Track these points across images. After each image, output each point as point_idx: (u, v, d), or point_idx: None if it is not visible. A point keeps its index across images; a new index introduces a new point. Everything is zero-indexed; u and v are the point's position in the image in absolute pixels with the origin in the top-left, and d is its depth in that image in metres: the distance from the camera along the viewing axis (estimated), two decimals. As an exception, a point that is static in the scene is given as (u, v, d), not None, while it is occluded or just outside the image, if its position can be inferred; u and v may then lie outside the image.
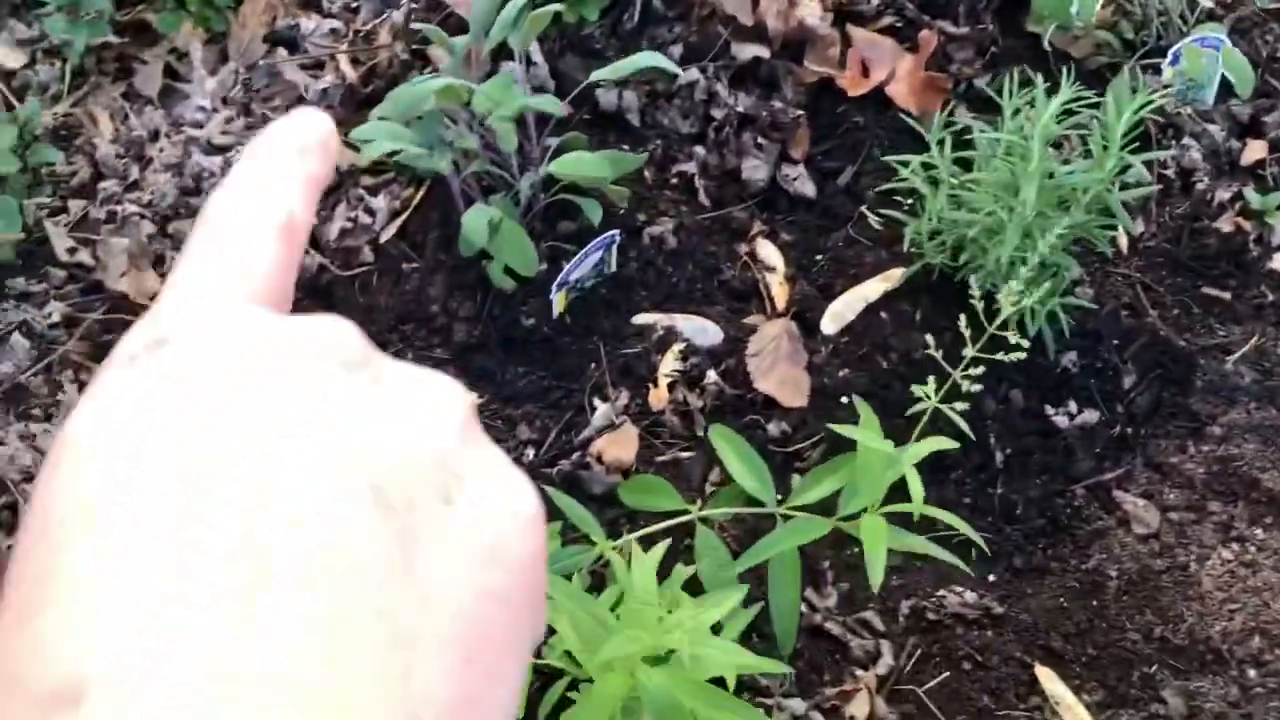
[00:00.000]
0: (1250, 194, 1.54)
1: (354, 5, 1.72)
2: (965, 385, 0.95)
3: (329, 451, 0.26)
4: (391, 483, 0.26)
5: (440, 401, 0.29)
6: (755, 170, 1.59)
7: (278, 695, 0.23)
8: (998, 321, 0.95)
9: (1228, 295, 1.49)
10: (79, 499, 0.25)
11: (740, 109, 1.62)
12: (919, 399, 1.41)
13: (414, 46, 1.63)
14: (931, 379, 1.00)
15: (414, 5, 1.67)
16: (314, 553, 0.25)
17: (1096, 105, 1.29)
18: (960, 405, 0.97)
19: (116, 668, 0.22)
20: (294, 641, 0.23)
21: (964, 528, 1.02)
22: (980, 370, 0.96)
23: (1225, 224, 1.54)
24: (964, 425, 1.00)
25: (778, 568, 1.00)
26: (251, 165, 0.34)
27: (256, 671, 0.23)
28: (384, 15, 1.68)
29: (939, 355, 1.03)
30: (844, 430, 0.99)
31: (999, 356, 0.96)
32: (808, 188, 1.59)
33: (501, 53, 1.47)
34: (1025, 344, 0.96)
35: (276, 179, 0.33)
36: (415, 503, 0.27)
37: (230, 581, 0.24)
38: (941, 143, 1.36)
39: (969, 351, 0.97)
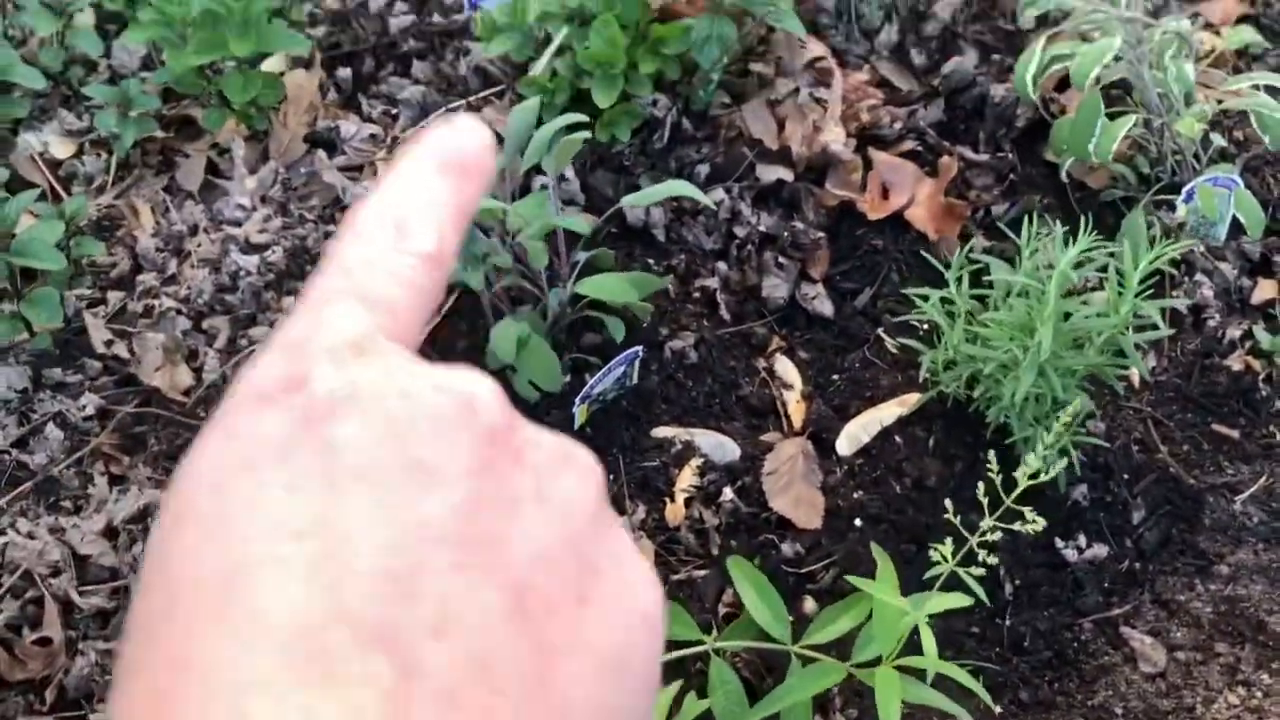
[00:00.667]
0: (1260, 333, 1.57)
1: (394, 111, 1.78)
2: (981, 555, 0.98)
3: (474, 546, 0.26)
4: (532, 586, 0.26)
5: (577, 481, 0.29)
6: (775, 288, 1.63)
7: None
8: (1015, 493, 0.97)
9: (1237, 434, 1.52)
10: (206, 577, 0.25)
11: (762, 228, 1.66)
12: (928, 525, 1.43)
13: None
14: (949, 540, 1.02)
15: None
16: (459, 667, 0.24)
17: (1112, 247, 1.33)
18: (977, 571, 0.99)
19: None
20: None
21: (975, 686, 1.04)
22: (997, 536, 0.99)
23: (1235, 362, 1.57)
24: (980, 592, 1.02)
25: (789, 711, 1.02)
26: (403, 184, 0.32)
27: None
28: (422, 124, 1.73)
29: (956, 520, 1.05)
30: (861, 584, 1.01)
31: (1015, 527, 0.98)
32: (826, 307, 1.63)
33: (536, 168, 1.52)
34: (1040, 523, 0.98)
35: (427, 204, 0.32)
36: (553, 606, 0.26)
37: (375, 696, 0.23)
38: (960, 279, 1.40)
39: (986, 522, 0.99)
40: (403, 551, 0.25)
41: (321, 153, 1.74)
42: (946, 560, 0.99)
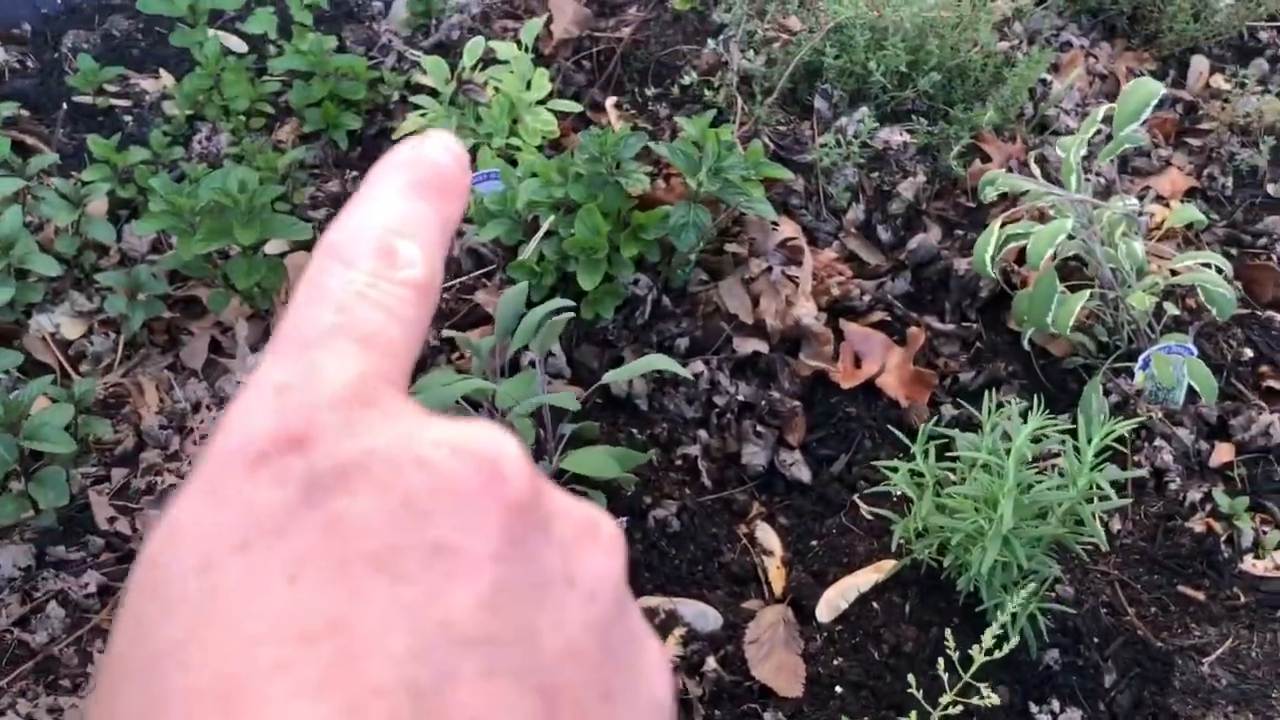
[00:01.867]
0: (1219, 495, 1.64)
1: (389, 290, 1.87)
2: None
3: (504, 646, 0.23)
4: (563, 686, 0.24)
5: (604, 558, 0.27)
6: (754, 455, 1.69)
7: None
8: (971, 669, 1.02)
9: (1202, 595, 1.57)
10: (203, 688, 0.22)
11: (741, 397, 1.74)
12: (906, 691, 1.46)
13: (443, 335, 1.77)
14: (913, 715, 1.06)
15: (444, 295, 1.82)
16: None
17: (1065, 424, 1.41)
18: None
19: None
20: None
21: None
22: (958, 710, 1.03)
23: (1197, 524, 1.63)
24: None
25: None
26: (382, 205, 0.29)
27: None
28: (416, 303, 1.82)
29: (919, 694, 1.09)
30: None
31: (974, 701, 1.03)
32: (804, 473, 1.70)
33: (525, 346, 1.60)
34: (994, 698, 1.03)
35: (412, 227, 0.29)
36: (583, 708, 0.24)
37: None
38: (926, 451, 1.47)
39: (946, 698, 1.04)
40: (427, 659, 0.22)
41: (320, 330, 1.83)
42: (912, 741, 1.03)
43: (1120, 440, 1.69)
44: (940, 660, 1.22)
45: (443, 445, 0.25)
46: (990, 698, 1.01)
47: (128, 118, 2.23)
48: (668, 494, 1.65)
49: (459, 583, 0.23)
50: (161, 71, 2.34)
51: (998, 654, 1.19)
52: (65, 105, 2.19)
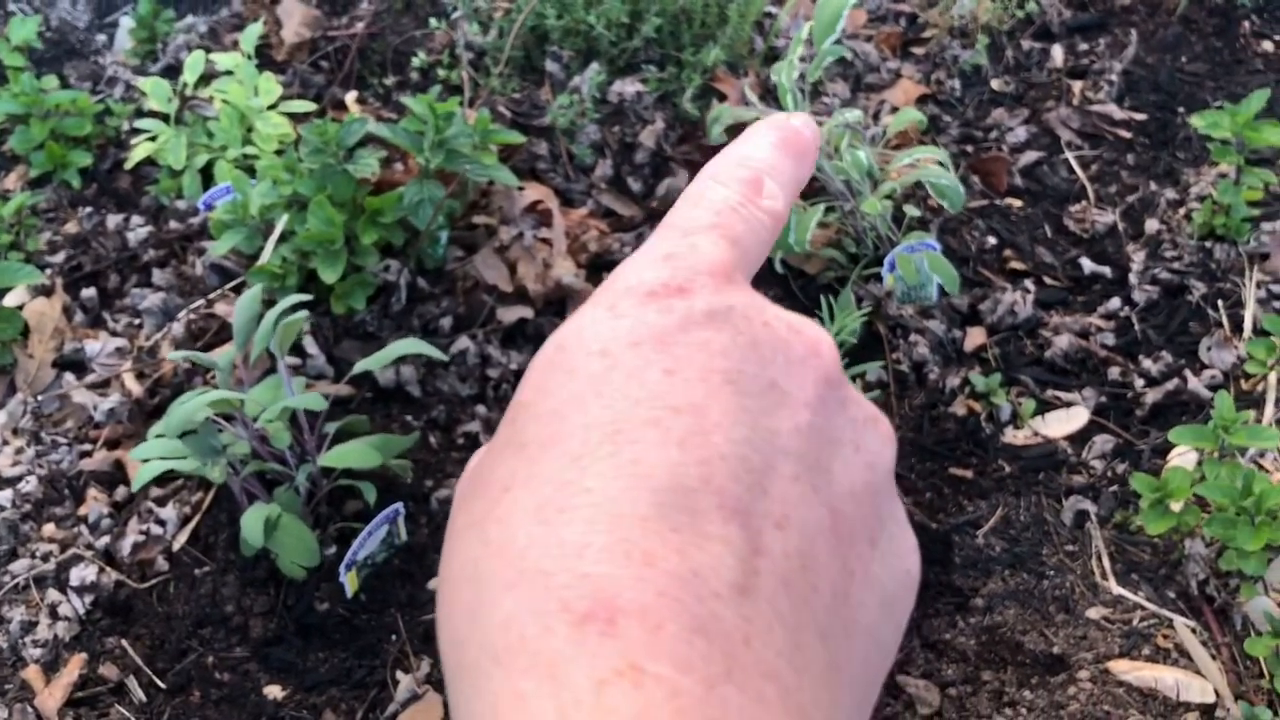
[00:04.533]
0: (975, 378, 1.71)
1: (137, 322, 1.80)
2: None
3: (808, 465, 0.30)
4: (843, 511, 0.31)
5: (883, 442, 0.34)
6: (534, 421, 1.69)
7: (768, 688, 0.26)
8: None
9: (971, 473, 1.63)
10: (594, 423, 0.29)
11: (514, 367, 1.74)
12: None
13: (191, 356, 1.71)
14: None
15: (192, 316, 1.76)
16: (792, 557, 0.28)
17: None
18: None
19: (649, 612, 0.25)
20: (772, 642, 0.27)
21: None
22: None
23: (959, 408, 1.70)
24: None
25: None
26: (756, 149, 0.37)
27: (755, 662, 0.26)
28: (165, 329, 1.76)
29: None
30: None
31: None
32: (585, 430, 1.70)
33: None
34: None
35: (777, 169, 0.37)
36: (855, 538, 0.31)
37: (733, 557, 0.27)
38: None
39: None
40: (758, 450, 0.29)
41: (70, 375, 1.76)
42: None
43: (879, 343, 1.75)
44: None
45: (783, 319, 0.33)
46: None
47: None
48: (451, 474, 1.64)
49: (783, 412, 0.30)
50: None
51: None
52: None
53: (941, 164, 1.78)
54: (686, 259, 0.33)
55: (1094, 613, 1.47)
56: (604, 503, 0.27)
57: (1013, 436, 1.67)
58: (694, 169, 2.02)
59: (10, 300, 1.86)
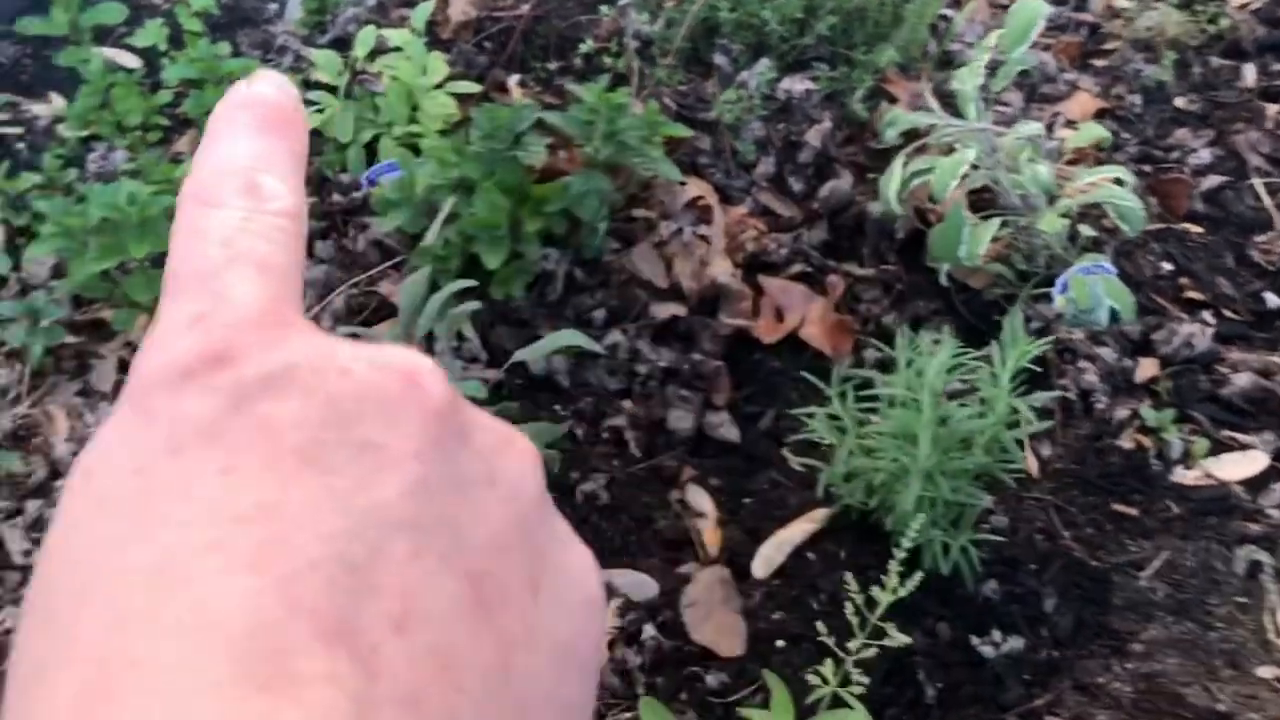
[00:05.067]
0: (1146, 411, 1.63)
1: (298, 292, 1.83)
2: (855, 675, 1.01)
3: (430, 531, 0.24)
4: (486, 571, 0.25)
5: (522, 463, 0.28)
6: (681, 420, 1.67)
7: None
8: (878, 611, 1.01)
9: (1136, 511, 1.56)
10: (134, 568, 0.22)
11: (663, 363, 1.72)
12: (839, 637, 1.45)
13: (353, 331, 1.73)
14: (829, 662, 1.05)
15: (352, 291, 1.79)
16: (423, 665, 0.22)
17: (978, 352, 1.39)
18: (856, 689, 1.02)
19: None
20: None
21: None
22: (873, 653, 1.02)
23: (1126, 441, 1.62)
24: (863, 711, 1.05)
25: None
26: (231, 145, 0.30)
27: None
28: (326, 301, 1.79)
29: (829, 638, 1.08)
30: (756, 714, 1.03)
31: (885, 643, 1.01)
32: (732, 433, 1.68)
33: (434, 334, 1.57)
34: (903, 638, 1.02)
35: (268, 160, 0.30)
36: (508, 596, 0.25)
37: (341, 699, 0.21)
38: (844, 394, 1.45)
39: (855, 643, 1.02)
40: (358, 536, 0.23)
41: (231, 339, 1.79)
42: (827, 682, 1.02)
43: (1044, 367, 1.69)
44: (850, 605, 1.21)
45: (361, 359, 0.26)
46: (898, 639, 0.99)
47: (20, 144, 2.18)
48: (595, 467, 1.63)
49: (385, 475, 0.24)
50: (52, 94, 2.28)
51: (900, 592, 1.16)
52: (-48, 137, 2.14)
53: (1122, 183, 1.70)
54: (219, 314, 0.26)
55: (1265, 672, 1.40)
56: (160, 675, 0.21)
57: (1182, 476, 1.59)
58: (859, 171, 1.97)
59: (178, 261, 1.91)
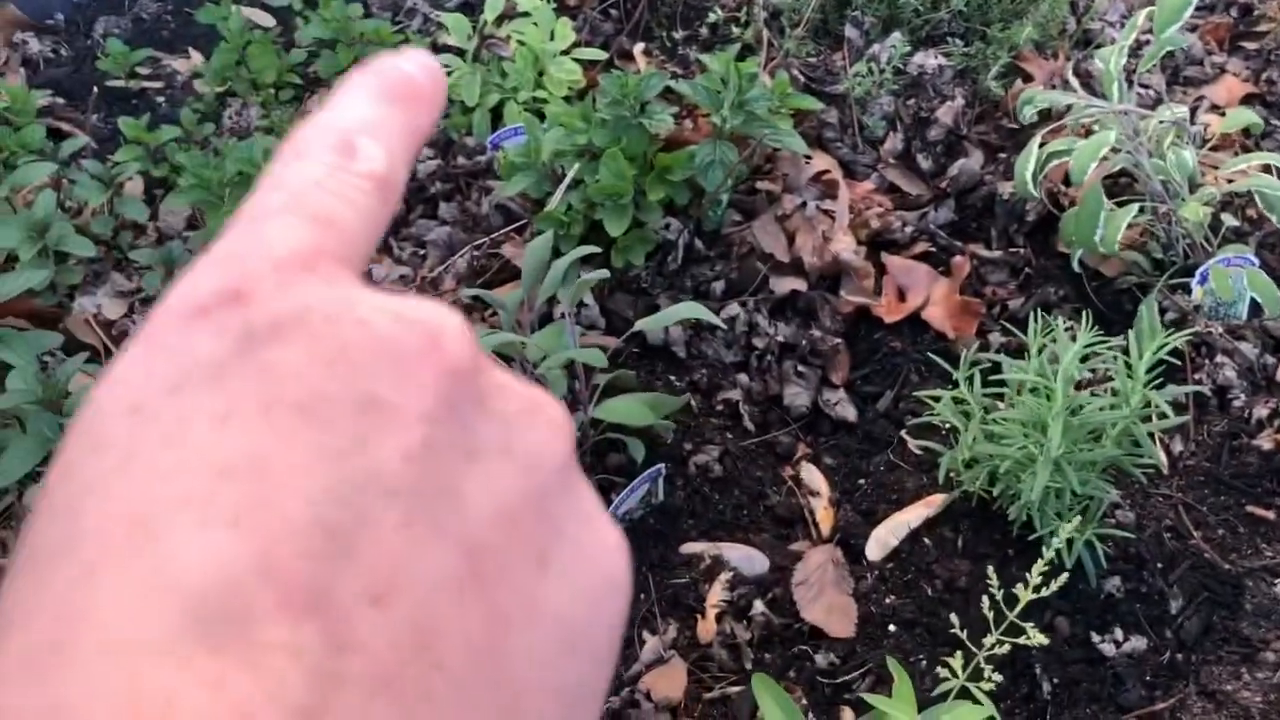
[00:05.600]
0: (1288, 411, 1.56)
1: (422, 252, 1.86)
2: (988, 671, 0.98)
3: (427, 501, 0.23)
4: (488, 546, 0.23)
5: (547, 434, 0.26)
6: (797, 396, 1.66)
7: None
8: (1017, 609, 0.98)
9: (1272, 514, 1.50)
10: (113, 515, 0.21)
11: (781, 338, 1.70)
12: (963, 627, 1.43)
13: (467, 294, 1.75)
14: (959, 655, 1.03)
15: (475, 253, 1.80)
16: (398, 641, 0.21)
17: (1115, 341, 1.34)
18: (986, 685, 1.00)
19: None
20: None
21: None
22: (1005, 650, 0.99)
23: (1265, 441, 1.55)
24: (992, 709, 1.02)
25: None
26: (348, 105, 0.29)
27: None
28: (448, 262, 1.81)
29: (962, 632, 1.06)
30: (878, 701, 1.02)
31: (1022, 640, 0.99)
32: (849, 412, 1.65)
33: (554, 298, 1.58)
34: (1041, 638, 0.99)
35: (376, 125, 0.29)
36: (508, 570, 0.24)
37: (299, 672, 0.20)
38: (971, 378, 1.42)
39: (990, 639, 1.00)
40: (345, 503, 0.22)
41: (355, 296, 1.83)
42: (956, 675, 1.00)
43: (1180, 359, 1.63)
44: (985, 598, 1.18)
45: (385, 310, 0.25)
46: (1036, 638, 0.97)
47: (160, 98, 2.24)
48: (709, 439, 1.62)
49: (386, 436, 0.23)
50: (191, 51, 2.34)
51: (1048, 589, 1.13)
52: (96, 90, 2.21)
53: (1272, 171, 1.62)
54: (252, 254, 0.25)
55: (1407, 690, 1.33)
56: (113, 630, 0.20)
57: (1325, 481, 1.52)
58: (990, 150, 1.92)
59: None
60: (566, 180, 1.67)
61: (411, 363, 0.24)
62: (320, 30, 2.15)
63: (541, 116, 1.92)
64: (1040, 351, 1.38)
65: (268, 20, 2.39)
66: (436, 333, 0.25)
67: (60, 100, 2.20)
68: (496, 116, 2.02)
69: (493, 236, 1.82)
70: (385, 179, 0.28)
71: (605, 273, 1.38)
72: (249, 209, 0.27)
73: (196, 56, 2.33)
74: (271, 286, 0.24)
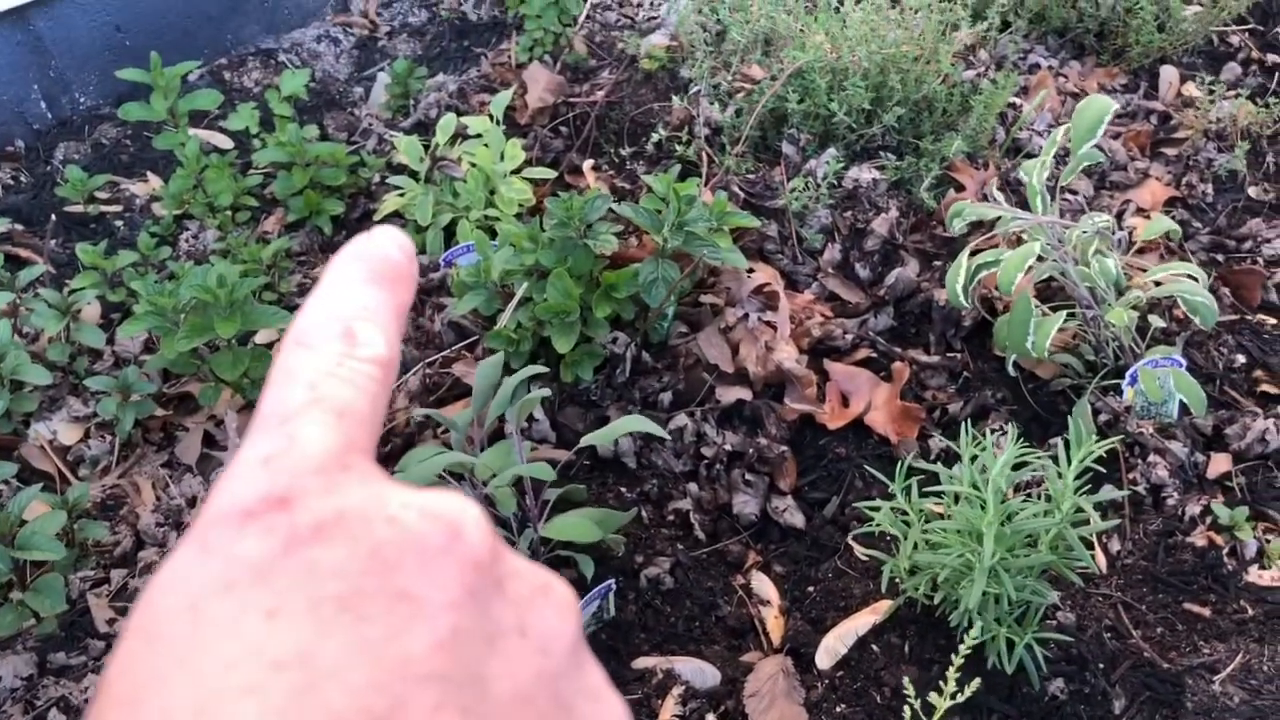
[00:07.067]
0: (1219, 508, 1.61)
1: (374, 370, 1.89)
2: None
3: (456, 684, 0.25)
4: None
5: (557, 616, 0.29)
6: (746, 504, 1.69)
7: None
8: (938, 715, 1.00)
9: (1209, 611, 1.53)
10: (177, 706, 0.24)
11: (729, 447, 1.74)
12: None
13: (420, 414, 1.78)
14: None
15: (428, 370, 1.84)
16: None
17: (1041, 452, 1.39)
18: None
19: None
20: None
21: None
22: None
23: (1198, 538, 1.60)
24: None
25: None
26: (338, 293, 0.32)
27: None
28: (400, 381, 1.84)
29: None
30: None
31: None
32: (797, 519, 1.69)
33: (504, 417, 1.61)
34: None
35: (369, 310, 0.32)
36: None
37: None
38: (908, 488, 1.46)
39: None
40: (384, 690, 0.24)
41: (310, 415, 1.85)
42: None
43: (1114, 460, 1.67)
44: (906, 709, 1.20)
45: (411, 507, 0.27)
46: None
47: (119, 221, 2.29)
48: (660, 551, 1.65)
49: (418, 626, 0.25)
50: (149, 174, 2.39)
51: (964, 694, 1.16)
52: (54, 216, 2.25)
53: (1194, 278, 1.69)
54: (287, 458, 0.28)
55: (1344, 784, 1.36)
56: None
57: (1258, 576, 1.56)
58: (925, 258, 1.99)
59: (261, 338, 1.99)
60: (515, 299, 1.72)
61: (437, 556, 0.27)
62: (275, 154, 2.21)
63: (494, 234, 1.97)
64: (973, 460, 1.42)
65: (225, 143, 2.45)
66: (458, 526, 0.28)
67: (19, 226, 2.24)
68: (450, 234, 2.08)
69: (445, 354, 1.86)
70: (386, 361, 0.31)
71: (546, 392, 1.42)
72: (273, 407, 0.29)
73: (155, 180, 2.38)
74: (315, 490, 0.27)
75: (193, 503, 1.76)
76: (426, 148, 2.17)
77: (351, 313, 0.32)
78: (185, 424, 1.90)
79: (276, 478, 0.27)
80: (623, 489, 1.72)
